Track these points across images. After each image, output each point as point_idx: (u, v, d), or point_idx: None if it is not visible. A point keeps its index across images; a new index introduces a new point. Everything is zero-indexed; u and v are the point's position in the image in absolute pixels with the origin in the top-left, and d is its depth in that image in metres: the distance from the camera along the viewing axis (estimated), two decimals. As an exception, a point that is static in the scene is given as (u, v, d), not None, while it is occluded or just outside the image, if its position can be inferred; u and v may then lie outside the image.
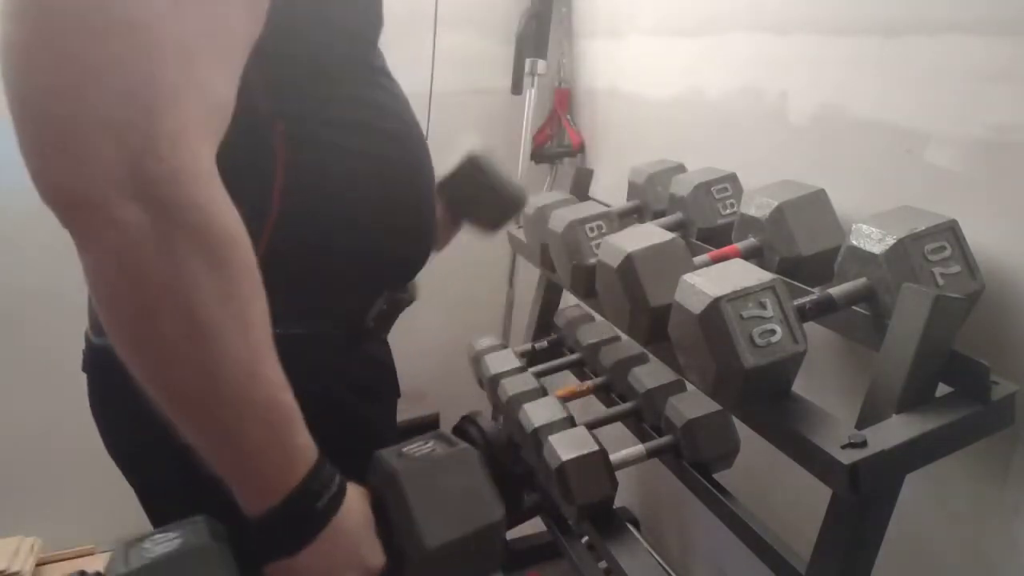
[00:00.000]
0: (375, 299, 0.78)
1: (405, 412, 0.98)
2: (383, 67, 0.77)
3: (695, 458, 1.21)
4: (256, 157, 0.63)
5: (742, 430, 1.20)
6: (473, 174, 0.97)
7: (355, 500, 0.58)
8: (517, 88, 1.93)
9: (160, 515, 0.79)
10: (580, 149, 1.99)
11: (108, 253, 0.46)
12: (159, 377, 0.50)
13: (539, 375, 1.48)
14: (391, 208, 0.75)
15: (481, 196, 0.98)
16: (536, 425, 1.26)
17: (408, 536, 0.57)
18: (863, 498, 0.78)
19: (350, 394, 0.78)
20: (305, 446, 0.55)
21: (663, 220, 1.24)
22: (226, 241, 0.48)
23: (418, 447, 0.61)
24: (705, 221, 1.20)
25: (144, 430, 0.73)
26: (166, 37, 0.46)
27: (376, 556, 0.58)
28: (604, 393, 1.48)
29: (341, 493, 0.57)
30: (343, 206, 0.70)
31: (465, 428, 0.67)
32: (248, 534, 0.54)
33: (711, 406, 1.21)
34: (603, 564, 1.43)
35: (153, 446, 0.73)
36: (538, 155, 2.00)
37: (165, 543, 0.52)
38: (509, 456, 0.63)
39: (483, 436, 0.63)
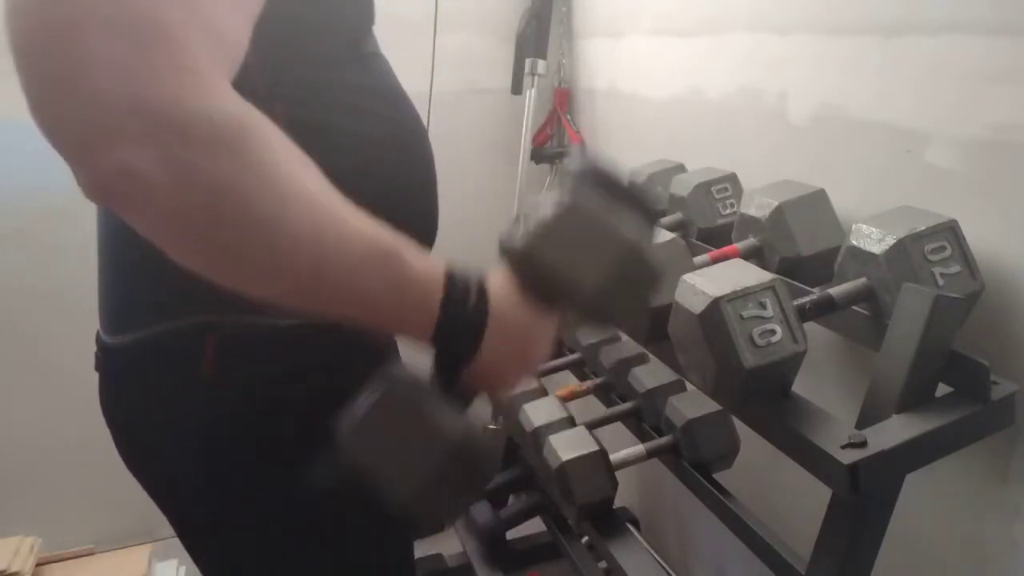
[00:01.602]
0: None
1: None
2: (377, 52, 0.77)
3: (695, 458, 1.21)
4: None
5: (742, 430, 1.20)
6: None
7: (501, 286, 0.58)
8: (517, 88, 1.93)
9: (175, 515, 0.79)
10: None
11: (142, 206, 0.45)
12: (261, 284, 0.50)
13: (539, 375, 1.48)
14: (391, 191, 0.75)
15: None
16: (536, 425, 1.26)
17: (566, 291, 0.57)
18: (863, 498, 0.78)
19: (357, 387, 0.78)
20: (428, 266, 0.55)
21: (663, 220, 1.24)
22: (243, 132, 0.46)
23: (528, 217, 0.59)
24: (705, 221, 1.20)
25: (160, 429, 0.74)
26: None
27: (546, 320, 0.60)
28: (604, 393, 1.48)
29: (483, 287, 0.57)
30: (342, 190, 0.70)
31: (563, 172, 0.65)
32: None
33: (711, 406, 1.21)
34: (603, 564, 1.43)
35: (169, 445, 0.74)
36: (538, 155, 2.00)
37: (370, 396, 0.55)
38: (613, 175, 0.60)
39: (577, 175, 0.61)
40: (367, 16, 0.74)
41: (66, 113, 0.43)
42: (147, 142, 0.43)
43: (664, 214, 1.28)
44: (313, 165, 0.50)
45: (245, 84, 0.51)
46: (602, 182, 0.60)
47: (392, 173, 0.75)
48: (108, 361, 0.76)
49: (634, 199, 0.61)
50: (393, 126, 0.75)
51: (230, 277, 0.49)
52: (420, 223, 0.82)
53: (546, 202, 0.58)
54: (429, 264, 0.55)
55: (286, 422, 0.73)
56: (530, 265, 0.57)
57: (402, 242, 0.53)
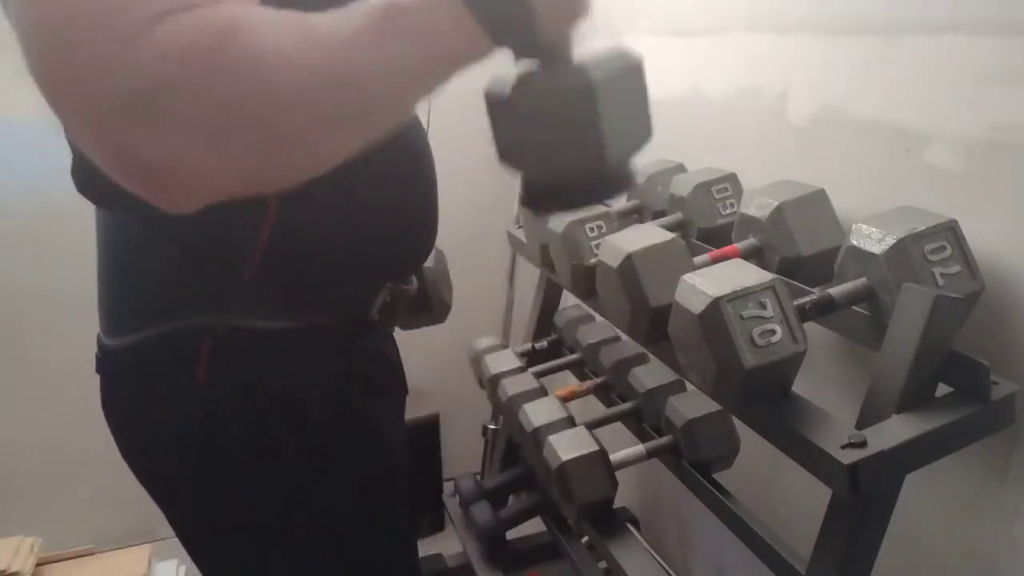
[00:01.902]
0: (378, 291, 0.78)
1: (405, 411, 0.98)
2: None
3: (695, 458, 1.21)
4: None
5: (742, 430, 1.20)
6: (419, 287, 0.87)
7: None
8: (517, 88, 1.92)
9: (175, 516, 0.79)
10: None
11: (200, 172, 0.43)
12: (323, 136, 0.47)
13: (539, 375, 1.48)
14: (393, 198, 0.75)
15: (415, 305, 0.88)
16: (536, 425, 1.26)
17: None
18: (863, 498, 0.78)
19: (354, 388, 0.78)
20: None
21: (663, 220, 1.24)
22: (230, 35, 0.42)
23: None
24: (705, 221, 1.20)
25: (158, 431, 0.74)
26: None
27: None
28: (604, 393, 1.48)
29: None
30: (344, 196, 0.70)
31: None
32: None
33: (711, 406, 1.21)
34: (603, 564, 1.43)
35: (167, 447, 0.74)
36: (538, 155, 2.00)
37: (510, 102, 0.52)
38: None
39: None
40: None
41: (74, 108, 0.41)
42: (152, 118, 0.40)
43: (664, 213, 1.28)
44: (295, 15, 0.45)
45: None
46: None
47: (393, 181, 0.75)
48: (107, 363, 0.76)
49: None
50: (398, 135, 0.74)
51: (300, 158, 0.46)
52: (419, 226, 0.82)
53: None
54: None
55: (281, 422, 0.73)
56: None
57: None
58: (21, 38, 0.43)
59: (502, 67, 0.57)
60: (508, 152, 0.56)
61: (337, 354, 0.77)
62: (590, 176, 0.55)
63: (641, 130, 0.58)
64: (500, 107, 0.55)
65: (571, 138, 0.53)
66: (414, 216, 0.81)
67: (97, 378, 0.79)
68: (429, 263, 0.98)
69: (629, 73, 0.57)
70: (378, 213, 0.74)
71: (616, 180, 0.57)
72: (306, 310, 0.73)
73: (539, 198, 0.58)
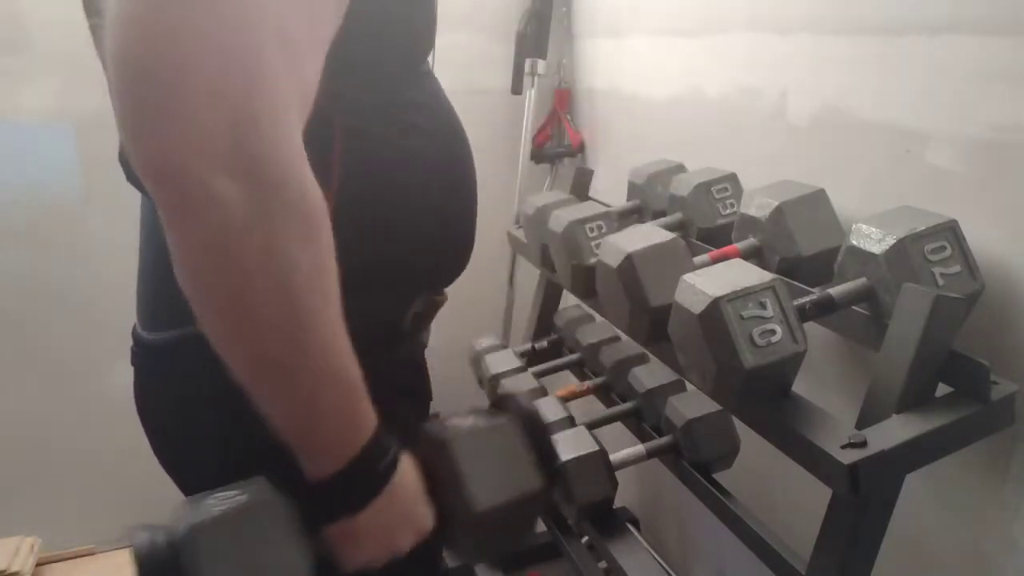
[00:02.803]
0: (413, 300, 0.79)
1: (405, 412, 0.98)
2: (431, 72, 0.79)
3: (695, 458, 1.21)
4: (316, 151, 0.64)
5: (742, 430, 1.20)
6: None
7: (409, 465, 0.61)
8: (517, 88, 1.93)
9: None
10: (580, 149, 1.99)
11: (204, 228, 0.47)
12: (248, 348, 0.51)
13: (539, 375, 1.48)
14: (440, 210, 0.77)
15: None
16: (536, 425, 1.26)
17: (457, 499, 0.60)
18: (863, 498, 0.78)
19: (392, 395, 0.79)
20: (369, 414, 0.57)
21: (663, 220, 1.24)
22: (316, 216, 0.50)
23: (462, 419, 0.63)
24: (705, 221, 1.20)
25: (193, 427, 0.74)
26: (271, 18, 0.48)
27: (427, 517, 0.61)
28: (604, 393, 1.48)
29: (397, 458, 0.59)
30: (395, 204, 0.72)
31: (501, 404, 0.68)
32: (305, 498, 0.56)
33: (711, 406, 1.21)
34: (603, 564, 1.43)
35: (201, 444, 0.74)
36: (538, 155, 2.00)
37: (228, 500, 0.54)
38: (545, 431, 0.66)
39: (520, 410, 0.65)
40: (429, 38, 0.76)
41: (164, 133, 0.46)
42: (242, 181, 0.46)
43: (664, 213, 1.28)
44: (337, 271, 0.53)
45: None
46: (536, 434, 0.64)
47: (441, 187, 0.76)
48: (143, 357, 0.76)
49: (548, 457, 0.65)
50: (444, 142, 0.77)
51: (218, 324, 0.51)
52: (461, 235, 0.83)
53: (481, 417, 0.63)
54: (370, 413, 0.57)
55: None
56: (442, 458, 0.60)
57: (362, 382, 0.56)
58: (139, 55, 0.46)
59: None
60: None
61: (377, 361, 0.77)
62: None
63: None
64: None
65: None
66: (457, 230, 0.82)
67: (98, 376, 0.79)
68: None
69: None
70: (423, 224, 0.75)
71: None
72: (349, 316, 0.73)
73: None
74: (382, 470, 0.58)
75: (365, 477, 0.57)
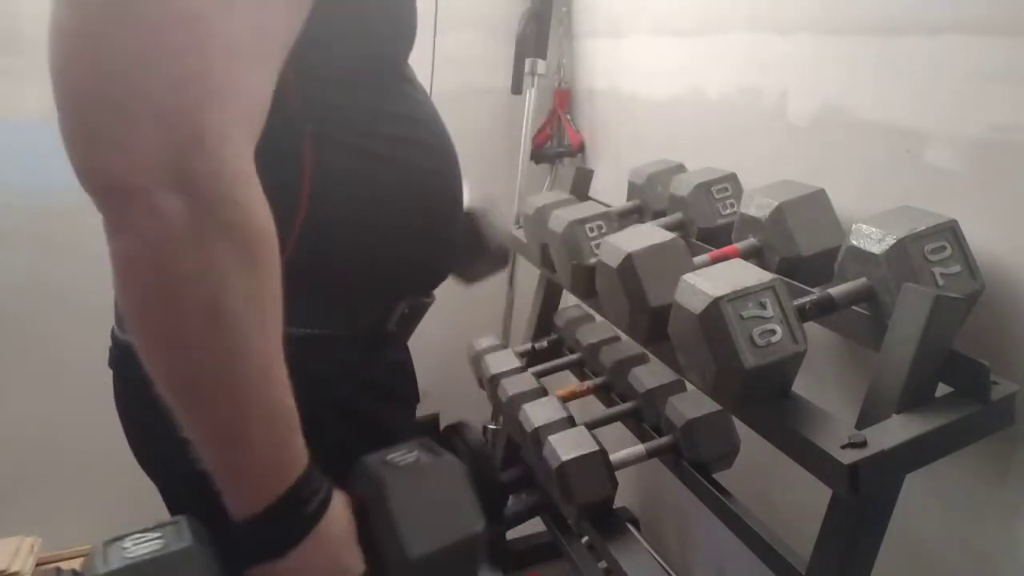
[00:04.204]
0: (397, 303, 0.79)
1: (405, 412, 0.98)
2: (412, 77, 0.78)
3: (695, 458, 1.21)
4: (286, 159, 0.64)
5: (742, 430, 1.20)
6: (469, 231, 0.94)
7: (340, 507, 0.58)
8: (517, 88, 1.93)
9: (183, 512, 0.79)
10: (580, 149, 1.99)
11: (141, 241, 0.46)
12: (172, 367, 0.50)
13: (539, 375, 1.48)
14: (418, 215, 0.76)
15: (470, 251, 0.94)
16: (536, 425, 1.26)
17: (390, 545, 0.57)
18: (863, 498, 0.78)
19: (371, 398, 0.78)
20: (300, 451, 0.55)
21: (663, 220, 1.24)
22: (259, 240, 0.49)
23: (402, 455, 0.61)
24: (705, 221, 1.20)
25: (171, 428, 0.74)
26: (216, 35, 0.47)
27: (357, 563, 0.59)
28: (604, 393, 1.48)
29: (327, 499, 0.57)
30: (370, 211, 0.70)
31: (449, 438, 0.67)
32: (231, 538, 0.54)
33: (711, 406, 1.21)
34: (603, 564, 1.43)
35: (179, 444, 0.74)
36: (538, 155, 2.00)
37: (146, 543, 0.53)
38: (493, 467, 0.64)
39: (467, 447, 0.64)
40: (405, 43, 0.74)
41: (106, 152, 0.45)
42: (182, 198, 0.45)
43: (664, 213, 1.28)
44: (281, 299, 0.52)
45: (279, 104, 0.53)
46: (480, 467, 0.64)
47: (419, 198, 0.75)
48: (121, 358, 0.76)
49: (494, 500, 0.65)
50: (423, 152, 0.75)
51: (145, 338, 0.50)
52: (443, 240, 0.82)
53: (426, 453, 0.61)
54: (300, 452, 0.55)
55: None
56: (374, 498, 0.58)
57: (295, 417, 0.54)
58: (77, 57, 0.46)
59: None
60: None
61: (355, 363, 0.77)
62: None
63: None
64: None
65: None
66: (439, 234, 0.81)
67: (98, 376, 0.78)
68: (477, 205, 0.97)
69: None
70: (404, 230, 0.75)
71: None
72: (324, 319, 0.73)
73: None
74: (311, 512, 0.55)
75: (290, 520, 0.54)
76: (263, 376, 0.51)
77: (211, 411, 0.51)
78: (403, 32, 0.73)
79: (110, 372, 0.79)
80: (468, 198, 0.91)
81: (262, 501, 0.53)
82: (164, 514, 0.80)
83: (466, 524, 0.60)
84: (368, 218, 0.70)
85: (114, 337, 0.77)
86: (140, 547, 0.52)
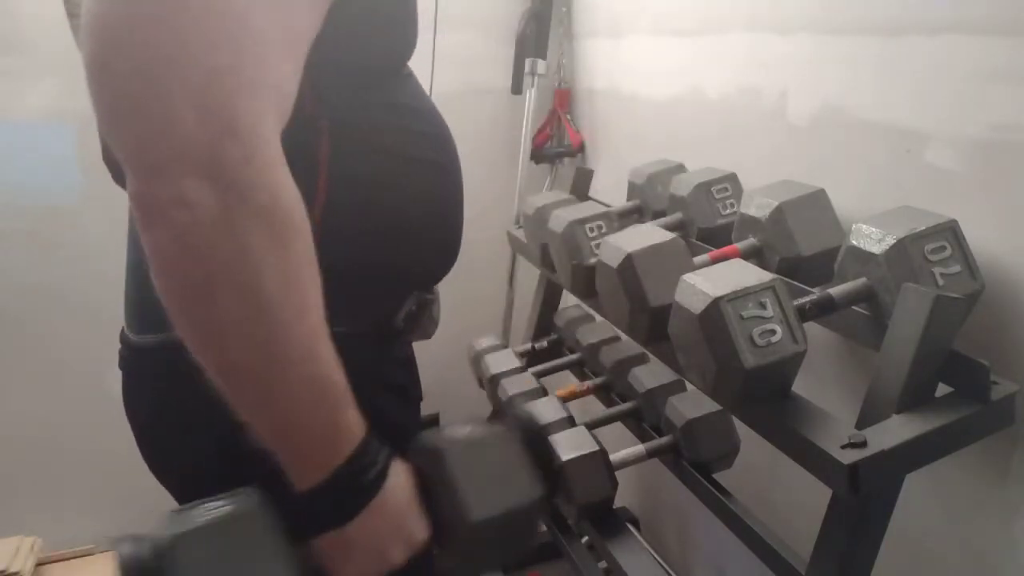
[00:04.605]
0: (405, 299, 0.79)
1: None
2: (411, 73, 0.79)
3: (695, 458, 1.21)
4: (303, 155, 0.65)
5: (742, 430, 1.20)
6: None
7: (401, 475, 0.59)
8: (517, 88, 1.93)
9: None
10: (580, 149, 1.99)
11: (176, 230, 0.47)
12: (218, 353, 0.51)
13: (539, 375, 1.48)
14: (428, 208, 0.77)
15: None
16: (536, 425, 1.26)
17: (453, 510, 0.58)
18: (863, 498, 0.78)
19: (384, 394, 0.78)
20: (355, 422, 0.56)
21: (663, 220, 1.24)
22: (291, 226, 0.50)
23: (457, 429, 0.62)
24: (705, 221, 1.20)
25: (182, 430, 0.74)
26: (249, 28, 0.48)
27: (420, 529, 0.60)
28: (604, 393, 1.48)
29: (386, 468, 0.58)
30: (382, 205, 0.72)
31: (500, 413, 0.68)
32: (294, 509, 0.55)
33: (711, 406, 1.21)
34: (603, 564, 1.43)
35: (190, 446, 0.74)
36: (538, 155, 2.00)
37: (214, 510, 0.53)
38: (546, 441, 0.65)
39: (518, 422, 0.64)
40: (411, 40, 0.76)
41: (145, 136, 0.47)
42: (212, 186, 0.46)
43: (664, 213, 1.28)
44: (320, 283, 0.53)
45: (296, 101, 0.54)
46: (534, 440, 0.64)
47: (429, 191, 0.77)
48: (132, 360, 0.76)
49: (549, 471, 0.64)
50: (430, 146, 0.77)
51: (189, 328, 0.51)
52: (451, 233, 0.83)
53: (479, 426, 0.62)
54: (355, 422, 0.56)
55: None
56: (434, 467, 0.59)
57: (347, 391, 0.55)
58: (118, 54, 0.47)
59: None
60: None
61: (365, 361, 0.77)
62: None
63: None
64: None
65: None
66: (444, 230, 0.82)
67: (99, 377, 0.78)
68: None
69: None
70: (410, 224, 0.76)
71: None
72: (334, 316, 0.73)
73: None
74: (370, 480, 0.56)
75: (352, 488, 0.56)
76: (308, 355, 0.52)
77: (261, 393, 0.52)
78: (409, 28, 0.75)
79: (110, 372, 0.79)
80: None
81: (321, 474, 0.54)
82: (165, 513, 0.80)
83: (526, 490, 0.61)
84: (380, 210, 0.72)
85: (124, 339, 0.77)
86: (210, 513, 0.53)
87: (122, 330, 0.78)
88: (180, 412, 0.74)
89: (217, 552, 0.52)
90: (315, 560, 0.57)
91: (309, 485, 0.55)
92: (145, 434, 0.78)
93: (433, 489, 0.60)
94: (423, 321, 0.85)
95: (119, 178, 0.72)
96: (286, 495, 0.55)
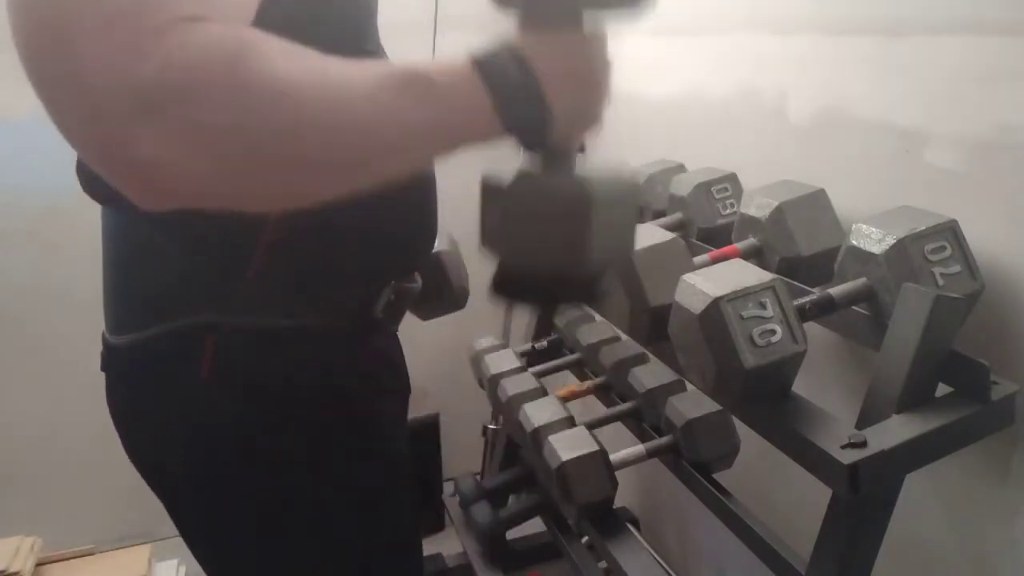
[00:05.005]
0: (382, 289, 0.79)
1: (405, 412, 0.98)
2: (379, 51, 0.76)
3: (695, 458, 1.21)
4: None
5: (742, 430, 1.20)
6: (433, 270, 0.97)
7: (527, 42, 0.55)
8: (517, 88, 1.93)
9: (178, 513, 0.80)
10: (580, 149, 1.98)
11: (170, 187, 0.43)
12: (337, 170, 0.48)
13: (539, 375, 1.48)
14: (394, 196, 0.75)
15: (432, 290, 0.95)
16: (536, 425, 1.26)
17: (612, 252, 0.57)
18: (863, 498, 0.78)
19: (358, 387, 0.78)
20: (451, 68, 0.51)
21: (663, 220, 1.24)
22: (246, 53, 0.43)
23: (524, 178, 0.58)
24: (705, 221, 1.20)
25: (162, 429, 0.74)
26: None
27: (592, 43, 0.59)
28: (604, 393, 1.48)
29: (513, 50, 0.53)
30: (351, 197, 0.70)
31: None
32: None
33: (711, 406, 1.21)
34: (603, 564, 1.43)
35: (170, 444, 0.74)
36: (538, 155, 2.00)
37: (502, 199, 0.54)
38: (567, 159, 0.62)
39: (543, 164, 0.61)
40: (366, 9, 0.73)
41: (74, 106, 0.43)
42: (155, 120, 0.41)
43: (664, 213, 1.28)
44: (311, 51, 0.47)
45: None
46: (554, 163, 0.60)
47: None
48: (112, 361, 0.77)
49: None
50: None
51: (288, 185, 0.47)
52: (420, 223, 0.82)
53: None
54: (451, 65, 0.51)
55: (285, 422, 0.73)
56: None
57: (416, 62, 0.49)
58: (20, 33, 0.44)
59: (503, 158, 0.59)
60: (493, 239, 0.58)
61: (341, 353, 0.77)
62: (565, 280, 0.57)
63: (623, 248, 0.60)
64: (495, 196, 0.57)
65: (557, 241, 0.55)
66: (416, 214, 0.81)
67: (99, 377, 0.79)
68: (445, 247, 0.98)
69: (625, 195, 0.60)
70: (380, 211, 0.74)
71: (587, 290, 0.59)
72: (310, 308, 0.73)
73: (509, 287, 0.60)
74: (517, 74, 0.52)
75: (516, 92, 0.52)
76: (374, 104, 0.47)
77: (383, 151, 0.49)
78: (364, 4, 0.72)
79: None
80: (437, 239, 0.92)
81: (486, 112, 0.51)
82: (166, 513, 0.80)
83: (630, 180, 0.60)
84: (346, 200, 0.70)
85: (106, 341, 0.77)
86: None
87: (103, 333, 0.78)
88: (156, 411, 0.74)
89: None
90: (569, 148, 0.57)
91: (494, 123, 0.51)
92: (127, 433, 0.78)
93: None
94: (405, 311, 0.85)
95: (88, 188, 0.71)
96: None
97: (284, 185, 0.48)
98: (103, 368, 0.78)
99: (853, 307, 0.89)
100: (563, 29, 0.56)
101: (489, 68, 0.51)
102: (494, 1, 0.58)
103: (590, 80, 0.58)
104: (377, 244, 0.76)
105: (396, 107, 0.48)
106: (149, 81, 0.40)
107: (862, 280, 0.87)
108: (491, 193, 0.58)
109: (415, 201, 0.80)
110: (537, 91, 0.52)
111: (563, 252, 0.55)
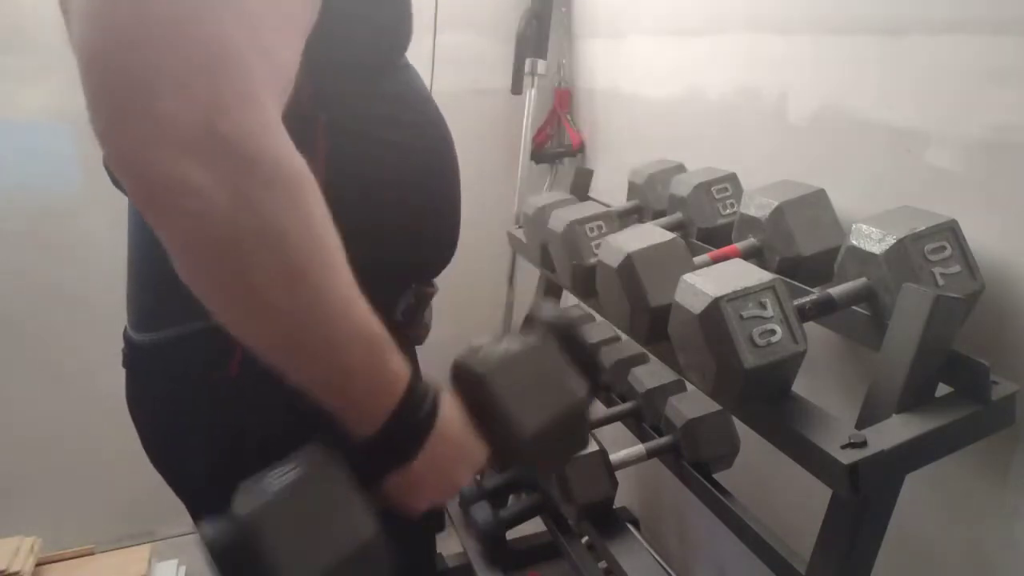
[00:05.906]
0: (404, 292, 0.79)
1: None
2: (409, 64, 0.80)
3: (695, 458, 1.21)
4: (301, 152, 0.65)
5: (742, 430, 1.20)
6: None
7: (450, 405, 0.61)
8: (517, 88, 1.93)
9: (199, 512, 0.80)
10: (580, 149, 1.99)
11: (191, 219, 0.46)
12: (262, 327, 0.51)
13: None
14: (425, 200, 0.78)
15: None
16: (536, 425, 1.26)
17: (504, 429, 0.59)
18: (863, 498, 0.78)
19: None
20: (399, 364, 0.57)
21: (663, 220, 1.24)
22: (303, 188, 0.49)
23: (492, 346, 0.62)
24: (705, 221, 1.20)
25: (188, 427, 0.74)
26: (233, 4, 0.47)
27: (479, 450, 0.61)
28: (604, 393, 1.48)
29: (437, 399, 0.59)
30: (380, 198, 0.72)
31: (529, 322, 0.68)
32: (356, 458, 0.57)
33: (711, 406, 1.21)
34: (603, 564, 1.43)
35: (197, 442, 0.74)
36: (538, 155, 2.00)
37: (285, 474, 0.54)
38: (579, 332, 0.66)
39: (549, 324, 0.64)
40: (407, 30, 0.76)
41: (131, 126, 0.45)
42: (213, 165, 0.45)
43: (664, 213, 1.28)
44: (339, 239, 0.53)
45: (291, 95, 0.53)
46: (567, 338, 0.64)
47: (424, 179, 0.77)
48: (135, 358, 0.77)
49: (589, 364, 0.65)
50: (426, 134, 0.77)
51: (230, 310, 0.51)
52: (445, 225, 0.83)
53: (512, 339, 0.62)
54: (400, 364, 0.57)
55: (314, 418, 0.73)
56: (480, 392, 0.60)
57: (387, 336, 0.56)
58: (91, 51, 0.46)
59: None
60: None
61: None
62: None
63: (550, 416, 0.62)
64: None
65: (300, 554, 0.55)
66: (441, 218, 0.82)
67: (99, 376, 0.79)
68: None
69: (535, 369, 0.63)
70: (407, 215, 0.76)
71: (524, 456, 0.63)
72: None
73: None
74: (424, 416, 0.57)
75: (410, 425, 0.57)
76: (347, 309, 0.52)
77: (311, 356, 0.53)
78: (403, 22, 0.75)
79: (110, 372, 0.79)
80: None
81: (380, 418, 0.56)
82: (166, 513, 0.80)
83: (569, 392, 0.62)
84: (378, 203, 0.72)
85: (128, 338, 0.77)
86: (281, 478, 0.53)
87: (125, 329, 0.78)
88: (182, 409, 0.74)
89: (297, 514, 0.52)
90: (386, 500, 0.58)
91: (371, 431, 0.56)
92: (148, 432, 0.78)
93: (483, 413, 0.60)
94: (423, 315, 0.85)
95: (118, 182, 0.72)
96: (344, 450, 0.56)
97: (245, 298, 0.51)
98: (125, 365, 0.78)
99: (853, 307, 0.89)
100: (478, 434, 0.61)
101: (414, 394, 0.57)
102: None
103: (447, 481, 0.61)
104: (400, 247, 0.77)
105: (356, 348, 0.53)
106: (221, 130, 0.45)
107: (862, 280, 0.87)
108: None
109: (438, 206, 0.81)
110: (416, 446, 0.57)
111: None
